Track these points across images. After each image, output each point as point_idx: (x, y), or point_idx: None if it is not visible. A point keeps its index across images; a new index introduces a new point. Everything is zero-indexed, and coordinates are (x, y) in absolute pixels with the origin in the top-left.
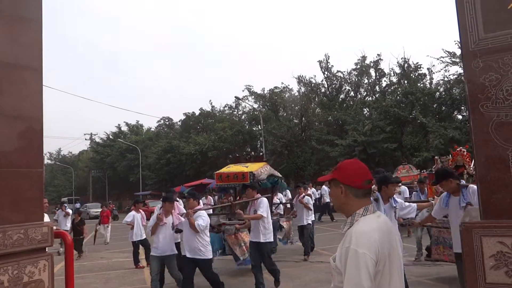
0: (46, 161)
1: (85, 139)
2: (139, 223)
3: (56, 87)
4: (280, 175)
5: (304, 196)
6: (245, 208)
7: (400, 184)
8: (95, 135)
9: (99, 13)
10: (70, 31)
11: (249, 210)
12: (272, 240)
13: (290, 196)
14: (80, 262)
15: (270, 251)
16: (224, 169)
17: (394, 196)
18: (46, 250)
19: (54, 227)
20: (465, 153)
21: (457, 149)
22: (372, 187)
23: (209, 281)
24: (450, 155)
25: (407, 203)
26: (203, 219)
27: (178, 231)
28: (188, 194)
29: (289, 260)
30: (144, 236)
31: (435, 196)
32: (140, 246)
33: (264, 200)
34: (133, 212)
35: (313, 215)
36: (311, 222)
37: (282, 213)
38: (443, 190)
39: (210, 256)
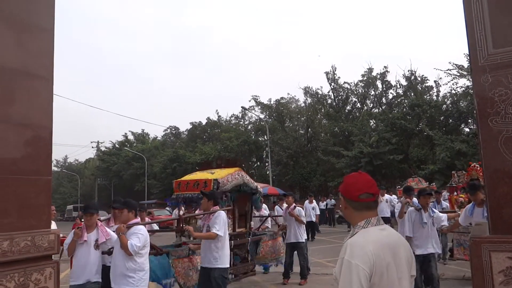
0: (52, 168)
1: (92, 147)
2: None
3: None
4: (256, 187)
5: (295, 207)
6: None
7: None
8: (101, 143)
9: (107, 21)
10: (77, 38)
11: (202, 225)
12: (226, 266)
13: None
14: None
15: (222, 279)
16: (187, 176)
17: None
18: (52, 258)
19: (61, 235)
20: (478, 168)
21: (472, 165)
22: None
23: None
24: (465, 170)
25: (441, 214)
26: (139, 237)
27: (108, 252)
28: (123, 203)
29: (293, 272)
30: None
31: (455, 207)
32: None
33: (222, 215)
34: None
35: (305, 232)
36: (304, 240)
37: (269, 226)
38: (471, 200)
39: (144, 285)
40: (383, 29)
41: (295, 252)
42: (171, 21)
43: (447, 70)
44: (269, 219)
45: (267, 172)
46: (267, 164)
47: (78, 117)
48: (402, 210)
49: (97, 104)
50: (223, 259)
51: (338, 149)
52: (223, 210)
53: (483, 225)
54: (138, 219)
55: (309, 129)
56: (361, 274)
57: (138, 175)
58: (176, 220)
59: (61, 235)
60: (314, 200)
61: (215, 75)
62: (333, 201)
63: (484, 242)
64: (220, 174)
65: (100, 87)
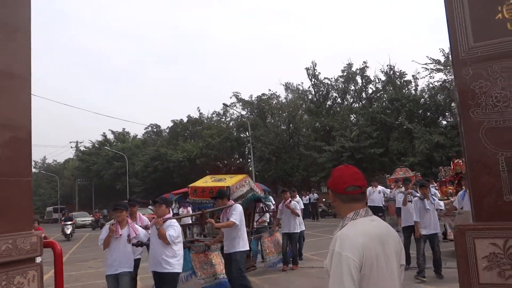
0: None
1: (71, 147)
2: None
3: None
4: (258, 191)
5: (290, 201)
6: (213, 217)
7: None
8: (80, 143)
9: (82, 17)
10: (53, 36)
11: (222, 218)
12: (246, 249)
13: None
14: (67, 272)
15: (243, 263)
16: (200, 182)
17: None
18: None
19: (43, 235)
20: (461, 163)
21: (455, 161)
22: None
23: None
24: (443, 162)
25: (439, 201)
26: (174, 229)
27: (138, 244)
28: (160, 199)
29: (278, 267)
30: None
31: (447, 197)
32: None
33: (238, 207)
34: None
35: (303, 224)
36: (298, 231)
37: (268, 221)
38: (458, 191)
39: (178, 270)
40: (362, 24)
41: (290, 241)
42: (154, 18)
43: (424, 64)
44: (267, 214)
45: (250, 168)
46: (249, 160)
47: (56, 117)
48: (405, 199)
49: (75, 103)
50: (243, 243)
51: (319, 144)
52: (239, 204)
53: (465, 213)
54: (171, 214)
55: (291, 125)
56: (352, 265)
57: (119, 174)
58: (199, 215)
59: (43, 237)
60: (297, 195)
61: (196, 73)
62: (316, 195)
63: (468, 229)
64: (231, 181)
65: (79, 86)
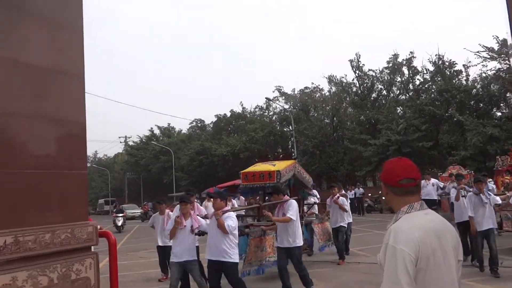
0: None
1: (120, 142)
2: (160, 227)
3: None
4: (307, 178)
5: (338, 197)
6: (273, 210)
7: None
8: (129, 138)
9: (131, 17)
10: (102, 36)
11: (277, 213)
12: (301, 244)
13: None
14: (120, 261)
15: (300, 256)
16: (251, 168)
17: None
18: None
19: (98, 227)
20: None
21: None
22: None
23: (232, 285)
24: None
25: (495, 195)
26: (232, 220)
27: (200, 233)
28: (215, 193)
29: (325, 261)
30: (167, 243)
31: (502, 188)
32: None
33: (294, 203)
34: (155, 214)
35: (350, 216)
36: (346, 225)
37: (317, 212)
38: None
39: (237, 260)
40: (408, 14)
41: (338, 235)
42: (196, 14)
43: (476, 52)
44: (316, 206)
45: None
46: (293, 154)
47: (105, 113)
48: (458, 195)
49: (123, 99)
50: (299, 239)
51: (365, 137)
52: (294, 199)
53: None
54: (229, 207)
55: (335, 118)
56: (407, 259)
57: (165, 168)
58: (256, 207)
59: (98, 227)
60: (342, 190)
61: (239, 68)
62: (361, 190)
63: None
64: (280, 166)
65: (126, 83)
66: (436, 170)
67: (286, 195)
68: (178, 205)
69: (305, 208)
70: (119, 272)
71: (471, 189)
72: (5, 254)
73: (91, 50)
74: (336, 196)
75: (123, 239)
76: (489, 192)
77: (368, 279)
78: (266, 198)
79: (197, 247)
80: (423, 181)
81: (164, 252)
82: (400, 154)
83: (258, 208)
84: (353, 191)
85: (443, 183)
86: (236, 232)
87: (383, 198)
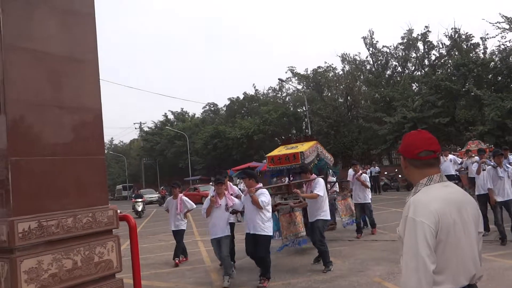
0: None
1: (135, 128)
2: (173, 211)
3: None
4: (329, 157)
5: (361, 174)
6: (300, 188)
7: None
8: (144, 124)
9: (144, 3)
10: (115, 21)
11: (306, 190)
12: (328, 218)
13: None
14: (140, 244)
15: (323, 229)
16: (275, 152)
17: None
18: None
19: (118, 211)
20: None
21: None
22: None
23: (258, 258)
24: None
25: None
26: (265, 196)
27: (233, 212)
28: (247, 174)
29: (343, 239)
30: (179, 227)
31: None
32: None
33: (320, 180)
34: (169, 198)
35: (370, 193)
36: (369, 201)
37: (338, 190)
38: None
39: (270, 233)
40: None
41: (363, 210)
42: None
43: (496, 23)
44: (336, 184)
45: (302, 136)
46: (307, 135)
47: (120, 99)
48: (479, 168)
49: (135, 84)
50: (325, 213)
51: (380, 115)
52: (320, 177)
53: None
54: (261, 184)
55: (349, 97)
56: (427, 231)
57: (181, 153)
58: (286, 186)
59: (118, 211)
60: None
61: (250, 49)
62: (377, 169)
63: None
64: (303, 147)
65: (137, 68)
66: (453, 146)
67: (313, 174)
68: (213, 186)
69: (328, 186)
70: (140, 255)
71: (491, 163)
72: (30, 239)
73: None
74: (359, 173)
75: (142, 223)
76: (507, 165)
77: (385, 256)
78: (291, 178)
79: (232, 224)
80: (441, 157)
81: (176, 235)
82: None
83: (287, 186)
84: (369, 170)
85: (460, 159)
86: (269, 207)
87: (399, 176)
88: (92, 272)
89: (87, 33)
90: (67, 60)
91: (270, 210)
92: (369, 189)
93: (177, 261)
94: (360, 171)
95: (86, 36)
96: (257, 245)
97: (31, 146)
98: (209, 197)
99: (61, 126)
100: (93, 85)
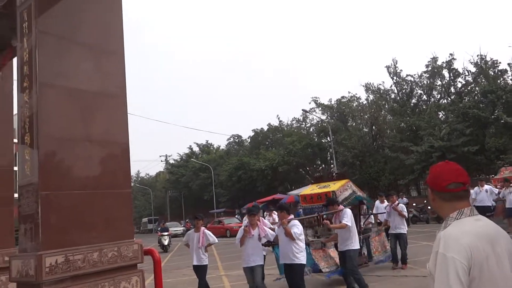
0: None
1: (161, 161)
2: (195, 245)
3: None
4: (362, 194)
5: (398, 204)
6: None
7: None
8: (169, 156)
9: (166, 36)
10: (142, 56)
11: (334, 221)
12: (357, 247)
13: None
14: (164, 279)
15: (355, 257)
16: (308, 191)
17: None
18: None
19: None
20: None
21: None
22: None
23: (294, 285)
24: None
25: None
26: (297, 227)
27: (267, 244)
28: (280, 207)
29: (373, 275)
30: (202, 262)
31: None
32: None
33: (348, 211)
34: (190, 231)
35: (406, 225)
36: (405, 232)
37: (373, 222)
38: None
39: (304, 262)
40: (445, 17)
41: (398, 241)
42: (229, 31)
43: None
44: (372, 216)
45: (334, 174)
46: (332, 166)
47: (146, 133)
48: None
49: (161, 118)
50: (355, 243)
51: (406, 144)
52: (348, 208)
53: None
54: (292, 216)
55: (374, 127)
56: (459, 267)
57: (205, 185)
58: (316, 218)
59: (143, 245)
60: (385, 200)
61: (274, 80)
62: (405, 200)
63: None
64: (335, 187)
65: (165, 102)
66: (484, 176)
67: (340, 205)
68: (246, 216)
69: (362, 220)
70: None
71: None
72: (57, 273)
73: (133, 69)
74: (396, 203)
75: (167, 257)
76: None
77: None
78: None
79: (264, 256)
80: (476, 188)
81: (198, 271)
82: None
83: (317, 218)
84: (396, 201)
85: (497, 189)
86: (302, 237)
87: (429, 207)
88: None
89: (117, 70)
90: (97, 96)
91: (303, 241)
92: (404, 220)
93: None
94: (397, 201)
95: (115, 73)
96: (293, 273)
97: (61, 181)
98: (242, 227)
99: (90, 160)
100: (122, 119)
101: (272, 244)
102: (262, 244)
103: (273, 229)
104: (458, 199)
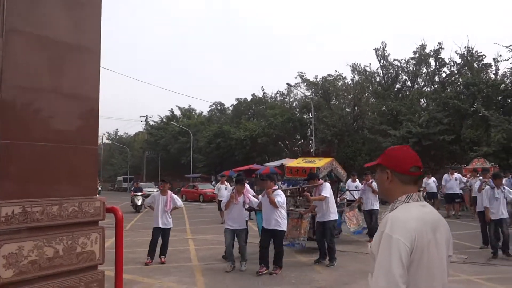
0: (104, 140)
1: (141, 121)
2: (161, 208)
3: (116, 70)
4: (342, 173)
5: (372, 181)
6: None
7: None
8: (150, 117)
9: (160, 4)
10: (130, 17)
11: (314, 194)
12: (336, 218)
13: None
14: (132, 237)
15: (333, 228)
16: (294, 163)
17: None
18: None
19: (105, 202)
20: None
21: None
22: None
23: (276, 251)
24: None
25: (509, 189)
26: (281, 196)
27: (249, 209)
28: (266, 176)
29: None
30: (168, 225)
31: None
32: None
33: (327, 185)
34: (155, 193)
35: (378, 202)
36: (378, 208)
37: (348, 198)
38: None
39: (285, 229)
40: (438, 5)
41: (372, 216)
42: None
43: (509, 46)
44: (347, 192)
45: (311, 150)
46: (311, 141)
47: (129, 92)
48: (481, 186)
49: (146, 79)
50: (333, 214)
51: (385, 127)
52: (327, 183)
53: None
54: (277, 186)
55: (356, 107)
56: (402, 249)
57: (184, 149)
58: (298, 189)
59: (105, 203)
60: (357, 179)
61: (262, 52)
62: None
63: None
64: (320, 163)
65: (150, 63)
66: (456, 165)
67: (320, 180)
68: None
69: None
70: (130, 248)
71: (493, 184)
72: (13, 224)
73: (120, 28)
74: (370, 181)
75: (137, 216)
76: (504, 187)
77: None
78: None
79: (246, 221)
80: (446, 175)
81: (162, 234)
82: (420, 147)
83: (299, 189)
84: (370, 180)
85: (466, 178)
86: (284, 205)
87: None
88: (73, 262)
89: (91, 22)
90: (69, 48)
91: (285, 209)
92: (377, 197)
93: (163, 259)
94: (371, 179)
95: (90, 25)
96: (275, 238)
97: (24, 131)
98: (228, 193)
99: (57, 113)
100: (93, 74)
101: (255, 209)
102: (246, 209)
103: (256, 197)
104: (413, 183)
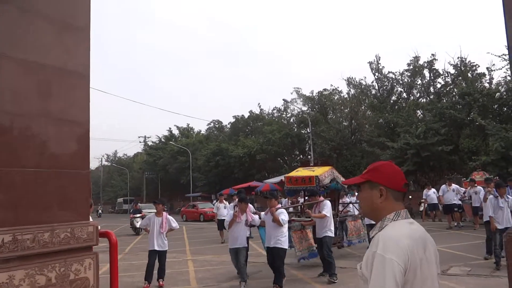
0: (103, 162)
1: (139, 142)
2: (156, 230)
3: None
4: (343, 180)
5: None
6: (311, 209)
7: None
8: (148, 138)
9: (152, 18)
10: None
11: (314, 210)
12: (332, 235)
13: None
14: (129, 261)
15: (330, 244)
16: (293, 173)
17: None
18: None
19: (99, 227)
20: None
21: None
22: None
23: (274, 267)
24: None
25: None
26: (285, 215)
27: (251, 225)
28: (270, 194)
29: (338, 266)
30: (164, 248)
31: None
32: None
33: (327, 203)
34: (151, 215)
35: None
36: None
37: (352, 212)
38: None
39: (286, 247)
40: (429, 16)
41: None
42: (217, 17)
43: (502, 55)
44: (351, 205)
45: (310, 164)
46: (309, 156)
47: (126, 114)
48: (485, 196)
49: (143, 100)
50: (331, 231)
51: (383, 140)
52: (327, 200)
53: None
54: (280, 205)
55: (353, 121)
56: (396, 270)
57: (183, 169)
58: (300, 206)
59: (99, 227)
60: (357, 193)
61: (258, 69)
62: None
63: None
64: (319, 171)
65: (146, 83)
66: (456, 175)
67: (321, 196)
68: (237, 202)
69: (340, 207)
70: (127, 272)
71: (496, 194)
72: (3, 253)
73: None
74: None
75: (137, 238)
76: (507, 196)
77: None
78: (306, 198)
79: (248, 238)
80: (444, 186)
81: (158, 257)
82: (419, 158)
83: (300, 207)
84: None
85: (463, 189)
86: (287, 224)
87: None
88: None
89: (81, 47)
90: (58, 72)
91: (287, 227)
92: None
93: (161, 282)
94: None
95: (79, 49)
96: (275, 256)
97: (13, 157)
98: (232, 212)
99: (46, 138)
100: (83, 98)
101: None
102: (247, 226)
103: (258, 214)
104: (402, 199)
